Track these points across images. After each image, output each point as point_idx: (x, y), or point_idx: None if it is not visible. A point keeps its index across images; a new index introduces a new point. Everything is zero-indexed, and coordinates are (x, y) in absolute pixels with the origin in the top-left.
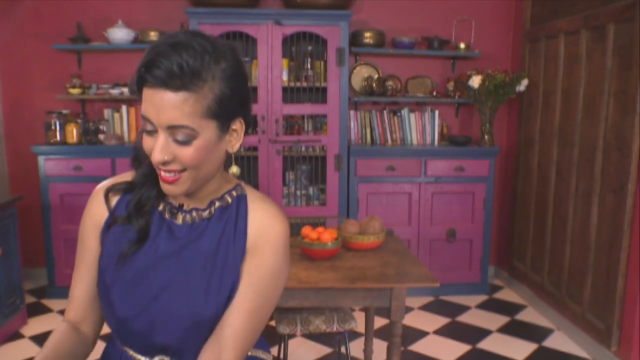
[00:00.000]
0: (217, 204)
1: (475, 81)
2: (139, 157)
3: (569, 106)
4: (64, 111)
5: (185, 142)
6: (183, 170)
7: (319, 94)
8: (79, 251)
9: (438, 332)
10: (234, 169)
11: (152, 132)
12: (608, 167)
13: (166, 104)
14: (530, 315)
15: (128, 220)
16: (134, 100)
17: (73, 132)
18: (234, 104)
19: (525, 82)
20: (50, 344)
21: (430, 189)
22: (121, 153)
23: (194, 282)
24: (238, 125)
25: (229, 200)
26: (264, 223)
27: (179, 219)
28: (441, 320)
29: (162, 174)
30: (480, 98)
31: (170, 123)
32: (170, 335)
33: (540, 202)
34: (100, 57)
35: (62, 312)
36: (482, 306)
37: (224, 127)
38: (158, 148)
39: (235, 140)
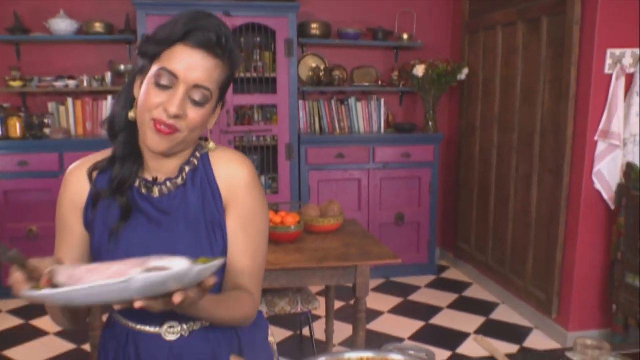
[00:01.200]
0: (187, 168)
1: (420, 70)
2: (115, 127)
3: (508, 94)
4: (4, 105)
5: (199, 104)
6: (177, 131)
7: (269, 85)
8: (60, 233)
9: (392, 311)
10: (211, 145)
11: (167, 88)
12: (545, 150)
13: (200, 65)
14: (476, 292)
15: (112, 195)
16: (80, 93)
17: (16, 127)
18: (228, 86)
19: (465, 71)
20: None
21: (379, 175)
22: (69, 147)
23: (189, 249)
24: (219, 106)
25: (196, 162)
26: (229, 174)
27: (156, 192)
28: (394, 300)
29: (160, 126)
30: (424, 87)
31: (198, 82)
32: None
33: (483, 185)
34: (42, 49)
35: (12, 311)
36: (432, 285)
37: (218, 102)
38: (176, 101)
39: (213, 118)
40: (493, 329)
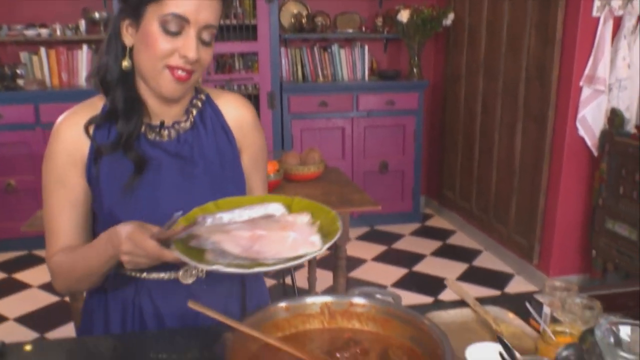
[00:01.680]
0: (194, 111)
1: (404, 15)
2: (108, 80)
3: (494, 40)
4: None
5: (208, 43)
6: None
7: (249, 32)
8: (54, 191)
9: (376, 259)
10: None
11: (175, 34)
12: (530, 97)
13: (208, 4)
14: (460, 239)
15: (118, 150)
16: (54, 43)
17: None
18: None
19: (451, 16)
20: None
21: (363, 123)
22: (44, 98)
23: (210, 192)
24: None
25: (200, 104)
26: (238, 115)
27: (165, 136)
28: (378, 248)
29: (178, 72)
30: (408, 32)
31: (208, 22)
32: None
33: (468, 133)
34: None
35: None
36: (416, 233)
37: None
38: (193, 46)
39: None
40: (475, 276)
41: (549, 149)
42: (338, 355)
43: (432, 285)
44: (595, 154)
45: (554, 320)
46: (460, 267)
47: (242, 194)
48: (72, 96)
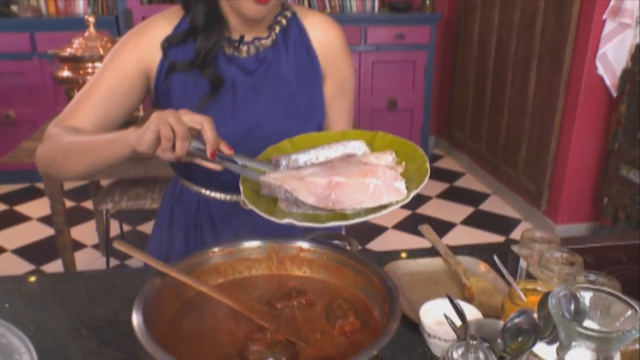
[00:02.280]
0: (277, 28)
1: None
2: None
3: None
4: None
5: None
6: None
7: None
8: (106, 75)
9: None
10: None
11: None
12: (547, 30)
13: None
14: (468, 182)
15: (192, 67)
16: None
17: None
18: None
19: None
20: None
21: (371, 58)
22: (40, 26)
23: (283, 113)
24: None
25: (284, 22)
26: (325, 38)
27: (243, 52)
28: None
29: None
30: None
31: None
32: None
33: (480, 70)
34: None
35: None
36: None
37: None
38: None
39: None
40: (481, 220)
41: (564, 88)
42: (279, 305)
43: (436, 228)
44: (614, 94)
45: (530, 276)
46: (466, 210)
47: (318, 123)
48: (69, 24)
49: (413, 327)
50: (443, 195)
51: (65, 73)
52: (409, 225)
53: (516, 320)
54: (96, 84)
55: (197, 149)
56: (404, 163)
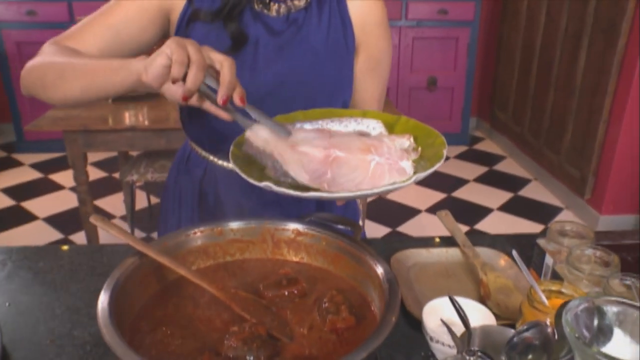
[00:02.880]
0: None
1: None
2: None
3: None
4: None
5: None
6: None
7: None
8: (121, 3)
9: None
10: None
11: None
12: (601, 4)
13: None
14: (508, 166)
15: (216, 19)
16: None
17: None
18: None
19: None
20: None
21: (411, 34)
22: None
23: (306, 80)
24: None
25: None
26: (364, 8)
27: (273, 11)
28: None
29: None
30: None
31: None
32: None
33: (527, 47)
34: None
35: (33, 165)
36: (461, 156)
37: None
38: None
39: None
40: (520, 207)
41: (617, 68)
42: (267, 294)
43: (471, 213)
44: None
45: (556, 276)
46: (505, 196)
47: (344, 99)
48: None
49: (417, 325)
50: (481, 179)
51: None
52: (443, 208)
53: (526, 333)
54: (111, 10)
55: (211, 88)
56: (419, 148)
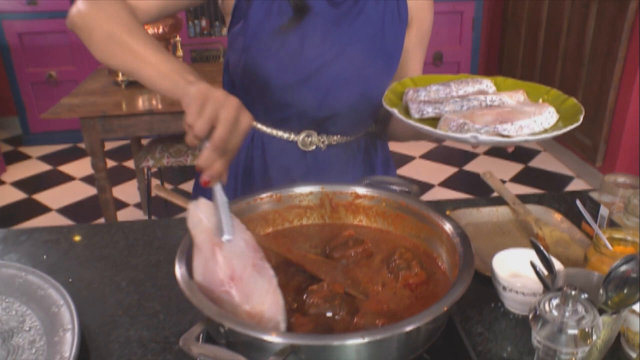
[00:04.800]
0: None
1: None
2: None
3: None
4: None
5: None
6: None
7: None
8: None
9: (424, 156)
10: None
11: None
12: None
13: None
14: None
15: None
16: None
17: None
18: None
19: None
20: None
21: None
22: None
23: (363, 51)
24: None
25: None
26: None
27: None
28: (427, 145)
29: None
30: None
31: None
32: (331, 107)
33: (533, 19)
34: None
35: (41, 158)
36: None
37: None
38: None
39: None
40: (531, 177)
41: (627, 33)
42: (335, 255)
43: (483, 185)
44: None
45: (613, 225)
46: (515, 167)
47: (394, 70)
48: None
49: (481, 280)
50: (491, 152)
51: None
52: (456, 182)
53: (623, 268)
54: None
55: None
56: (540, 100)
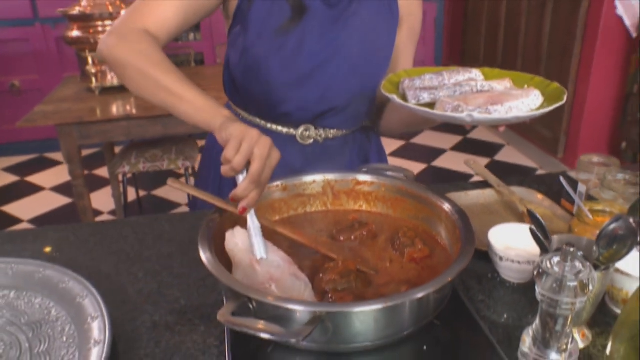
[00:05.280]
0: None
1: None
2: None
3: None
4: None
5: None
6: None
7: None
8: None
9: (394, 154)
10: None
11: None
12: None
13: None
14: (481, 133)
15: None
16: None
17: None
18: None
19: None
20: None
21: None
22: None
23: (358, 49)
24: None
25: None
26: None
27: None
28: (395, 143)
29: None
30: None
31: None
32: (329, 102)
33: (492, 19)
34: None
35: (7, 169)
36: (436, 128)
37: None
38: None
39: None
40: (496, 170)
41: (581, 31)
42: (342, 238)
43: (452, 179)
44: (634, 35)
45: (590, 199)
46: (482, 161)
47: (387, 66)
48: None
49: (476, 255)
50: (457, 148)
51: (75, 33)
52: (426, 177)
53: (612, 226)
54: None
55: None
56: (525, 86)
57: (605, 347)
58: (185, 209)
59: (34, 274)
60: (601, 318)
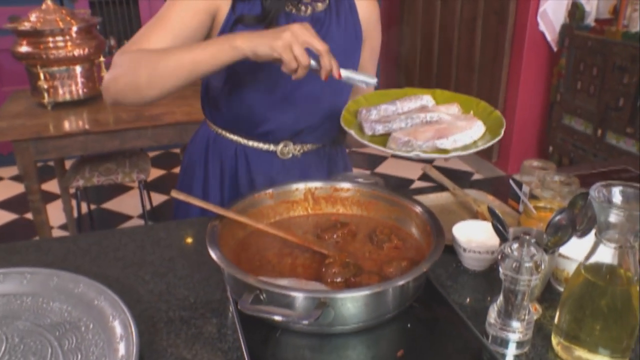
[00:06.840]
0: None
1: None
2: None
3: None
4: None
5: None
6: None
7: None
8: (179, 5)
9: None
10: None
11: None
12: None
13: None
14: None
15: (259, 24)
16: None
17: None
18: None
19: None
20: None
21: None
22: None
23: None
24: None
25: None
26: (369, 8)
27: (301, 11)
28: None
29: None
30: None
31: None
32: (305, 121)
33: (427, 30)
34: None
35: None
36: None
37: None
38: None
39: None
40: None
41: (509, 44)
42: (326, 237)
43: (395, 185)
44: (555, 49)
45: (533, 198)
46: (420, 167)
47: (351, 85)
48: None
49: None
50: (398, 155)
51: (24, 48)
52: None
53: (557, 217)
54: (167, 16)
55: (312, 68)
56: (471, 112)
57: (552, 318)
58: (137, 222)
59: (48, 281)
60: (548, 295)
